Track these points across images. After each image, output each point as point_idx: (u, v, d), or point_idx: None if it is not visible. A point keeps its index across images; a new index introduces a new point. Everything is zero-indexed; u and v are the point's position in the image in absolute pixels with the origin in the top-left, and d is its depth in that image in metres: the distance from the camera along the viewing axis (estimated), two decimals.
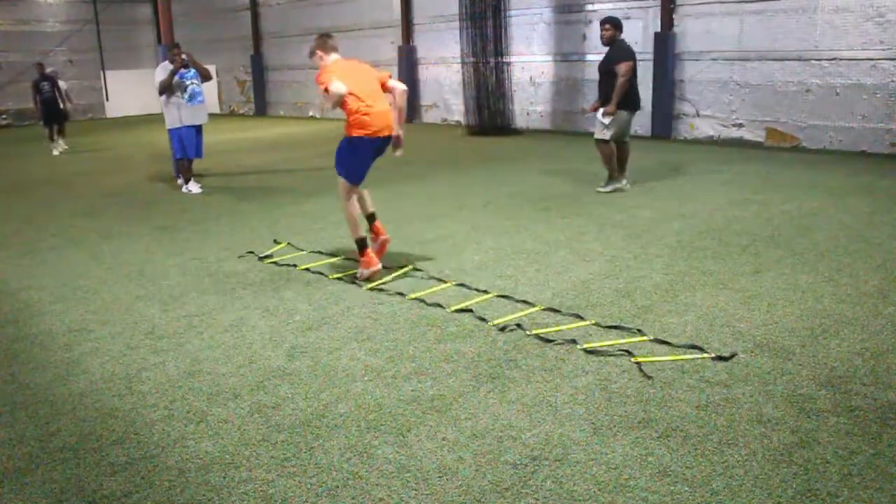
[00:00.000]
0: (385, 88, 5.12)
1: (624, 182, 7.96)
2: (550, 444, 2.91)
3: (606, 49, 7.78)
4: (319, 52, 5.10)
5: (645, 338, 3.92)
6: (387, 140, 5.11)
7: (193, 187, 8.99)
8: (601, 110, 7.67)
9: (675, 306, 4.40)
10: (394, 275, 5.22)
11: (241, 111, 22.91)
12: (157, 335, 4.24)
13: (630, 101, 7.68)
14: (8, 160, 13.38)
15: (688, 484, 2.62)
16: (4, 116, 21.02)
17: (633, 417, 3.09)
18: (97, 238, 6.73)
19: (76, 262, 5.90)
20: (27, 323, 4.56)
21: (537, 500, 2.56)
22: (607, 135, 7.68)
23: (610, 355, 3.72)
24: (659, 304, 4.44)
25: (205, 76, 8.85)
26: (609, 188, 7.86)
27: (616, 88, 7.48)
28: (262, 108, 21.88)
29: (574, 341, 3.89)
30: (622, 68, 7.45)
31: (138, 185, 9.73)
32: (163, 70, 8.71)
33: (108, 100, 21.90)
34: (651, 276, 5.00)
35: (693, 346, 3.77)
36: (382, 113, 5.01)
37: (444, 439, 2.97)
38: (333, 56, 5.11)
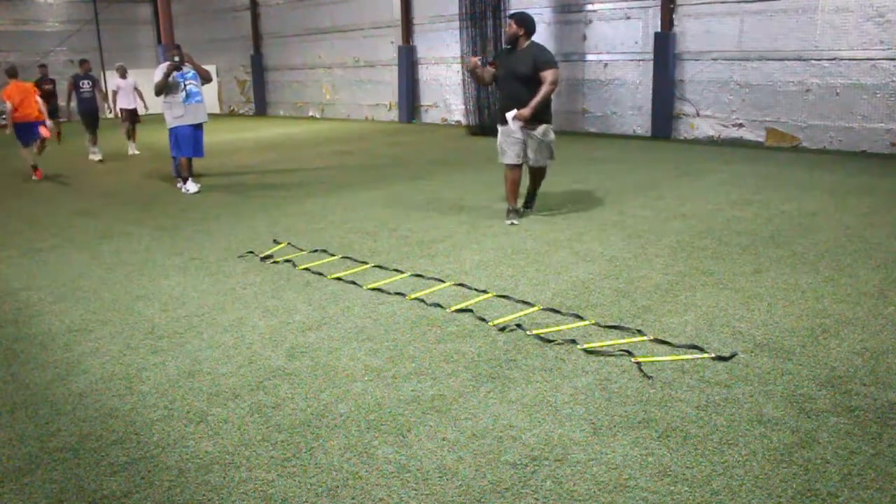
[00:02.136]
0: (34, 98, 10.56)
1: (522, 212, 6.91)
2: (550, 444, 2.91)
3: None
4: (11, 81, 10.47)
5: (645, 338, 3.92)
6: (30, 123, 10.53)
7: (191, 186, 8.97)
8: (512, 113, 6.39)
9: (675, 306, 4.40)
10: (394, 278, 5.22)
11: (241, 111, 22.91)
12: (157, 335, 4.24)
13: (550, 115, 6.70)
14: (8, 160, 13.36)
15: (688, 484, 2.62)
16: (4, 116, 21.00)
17: (633, 417, 3.09)
18: (97, 238, 6.73)
19: (76, 262, 5.90)
20: (27, 323, 4.55)
21: (537, 500, 2.56)
22: (548, 161, 6.76)
23: (610, 355, 3.72)
24: (659, 304, 4.44)
25: (205, 78, 8.87)
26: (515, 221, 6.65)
27: (542, 95, 6.35)
28: (261, 108, 21.88)
29: (574, 341, 3.89)
30: (552, 75, 6.44)
31: (138, 185, 9.73)
32: (160, 72, 8.76)
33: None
34: (651, 276, 5.00)
35: (693, 346, 3.78)
36: (27, 113, 10.41)
37: (444, 439, 2.97)
38: (12, 81, 10.48)
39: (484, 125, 14.26)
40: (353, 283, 5.06)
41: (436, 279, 5.08)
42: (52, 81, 15.10)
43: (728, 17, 11.44)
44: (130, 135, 13.20)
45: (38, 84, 15.47)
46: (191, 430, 3.11)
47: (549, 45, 14.02)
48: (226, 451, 2.95)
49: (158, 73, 8.71)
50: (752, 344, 3.81)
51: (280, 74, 21.19)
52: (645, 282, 4.87)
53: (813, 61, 10.63)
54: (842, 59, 10.35)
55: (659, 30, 12.21)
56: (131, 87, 13.00)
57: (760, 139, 11.39)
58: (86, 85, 12.88)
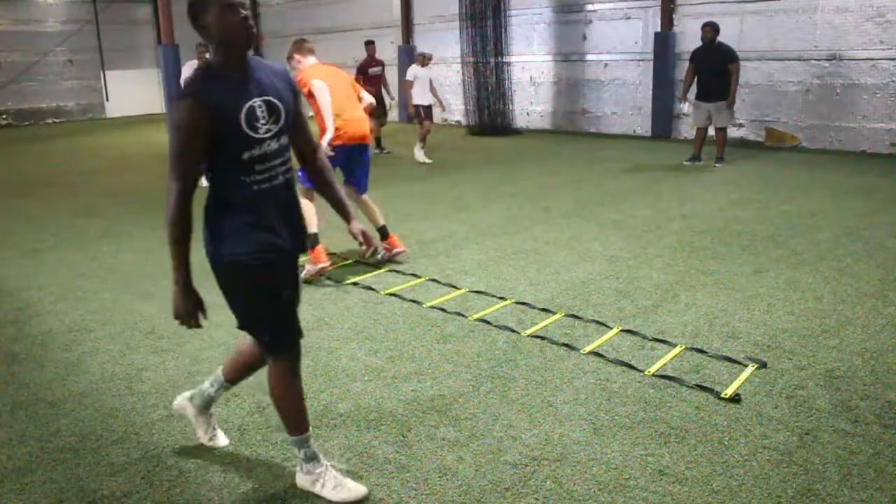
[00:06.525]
0: None
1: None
2: (550, 444, 2.91)
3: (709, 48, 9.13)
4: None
5: (644, 337, 3.92)
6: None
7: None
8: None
9: (675, 306, 4.40)
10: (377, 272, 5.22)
11: None
12: (157, 335, 4.24)
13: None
14: (8, 160, 13.36)
15: (688, 484, 2.62)
16: (4, 116, 20.99)
17: (633, 417, 3.09)
18: (97, 238, 6.72)
19: (76, 262, 5.90)
20: (27, 323, 4.55)
21: (537, 500, 2.56)
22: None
23: (610, 356, 3.72)
24: (659, 304, 4.44)
25: None
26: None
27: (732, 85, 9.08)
28: None
29: (573, 342, 3.89)
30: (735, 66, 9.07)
31: (138, 185, 9.72)
32: (189, 68, 9.16)
33: (108, 100, 21.89)
34: (651, 276, 5.00)
35: (696, 350, 3.77)
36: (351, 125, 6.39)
37: (444, 439, 2.97)
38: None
39: (484, 125, 14.26)
40: (370, 288, 5.05)
41: (435, 281, 5.08)
42: (381, 63, 11.90)
43: (728, 17, 11.42)
44: (421, 136, 10.90)
45: (361, 71, 11.47)
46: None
47: (550, 45, 14.07)
48: (226, 451, 2.95)
49: (187, 70, 9.06)
50: (751, 344, 3.81)
51: None
52: (645, 282, 4.87)
53: (813, 61, 10.63)
54: (842, 59, 10.34)
55: (659, 30, 12.20)
56: (427, 79, 10.73)
57: (760, 139, 11.39)
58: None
